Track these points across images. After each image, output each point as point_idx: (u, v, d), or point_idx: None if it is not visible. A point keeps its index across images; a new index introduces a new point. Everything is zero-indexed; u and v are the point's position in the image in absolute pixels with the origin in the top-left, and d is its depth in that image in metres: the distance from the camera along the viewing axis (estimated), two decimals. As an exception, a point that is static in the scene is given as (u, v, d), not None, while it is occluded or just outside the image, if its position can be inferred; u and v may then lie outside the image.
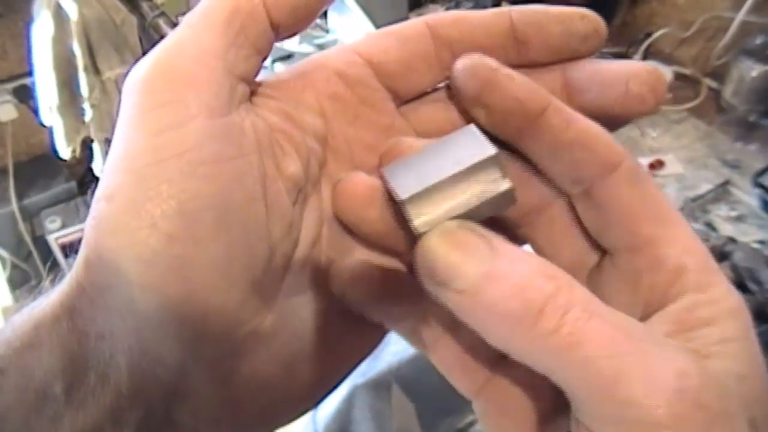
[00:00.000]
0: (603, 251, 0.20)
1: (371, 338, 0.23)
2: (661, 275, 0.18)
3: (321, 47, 1.01)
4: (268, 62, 1.12)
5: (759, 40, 1.24)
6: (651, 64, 0.20)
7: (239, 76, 0.19)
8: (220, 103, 0.18)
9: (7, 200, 1.52)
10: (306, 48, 1.03)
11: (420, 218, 0.17)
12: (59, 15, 1.17)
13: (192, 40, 0.18)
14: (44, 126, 1.32)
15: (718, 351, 0.16)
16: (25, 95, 1.43)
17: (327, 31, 1.09)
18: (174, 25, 1.24)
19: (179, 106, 0.17)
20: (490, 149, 0.18)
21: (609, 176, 0.19)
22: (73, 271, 0.18)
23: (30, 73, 1.32)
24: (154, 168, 0.17)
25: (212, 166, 0.17)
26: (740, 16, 1.27)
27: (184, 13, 1.23)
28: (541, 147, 0.20)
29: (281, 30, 0.20)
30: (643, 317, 0.18)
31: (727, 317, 0.17)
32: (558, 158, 0.19)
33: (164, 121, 0.17)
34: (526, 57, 0.21)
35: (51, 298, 0.18)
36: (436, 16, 0.21)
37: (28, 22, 1.25)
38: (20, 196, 1.53)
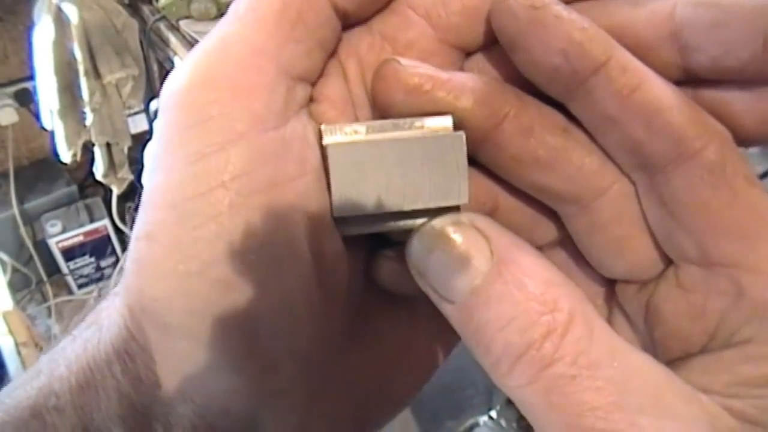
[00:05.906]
0: (669, 260, 0.16)
1: (445, 347, 0.20)
2: (734, 309, 0.14)
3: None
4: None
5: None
6: None
7: (299, 75, 0.15)
8: (275, 113, 0.15)
9: (8, 204, 1.52)
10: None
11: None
12: (60, 19, 1.17)
13: (237, 38, 0.15)
14: (45, 130, 1.32)
15: None
16: (26, 99, 1.43)
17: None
18: (174, 29, 1.24)
19: (223, 121, 0.14)
20: (463, 193, 0.15)
21: (682, 166, 0.14)
22: (120, 311, 0.16)
23: (31, 77, 1.32)
24: (198, 201, 0.14)
25: (268, 193, 0.14)
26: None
27: (185, 17, 1.24)
28: (591, 115, 0.15)
29: (348, 16, 0.16)
30: (704, 351, 0.15)
31: None
32: (613, 133, 0.15)
33: (205, 142, 0.14)
34: None
35: (103, 335, 0.16)
36: None
37: (28, 26, 1.26)
38: (21, 200, 1.54)
